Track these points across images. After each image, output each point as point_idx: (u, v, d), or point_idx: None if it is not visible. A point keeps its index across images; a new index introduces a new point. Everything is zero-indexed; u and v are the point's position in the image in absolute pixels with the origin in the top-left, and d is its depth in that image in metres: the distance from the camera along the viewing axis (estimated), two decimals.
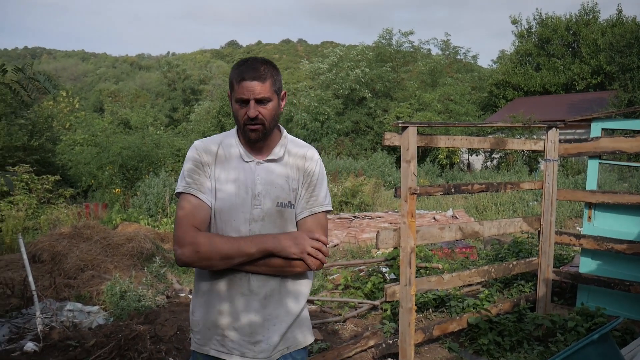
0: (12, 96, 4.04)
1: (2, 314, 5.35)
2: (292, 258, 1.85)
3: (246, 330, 1.91)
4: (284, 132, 2.06)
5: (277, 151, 1.98)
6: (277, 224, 1.93)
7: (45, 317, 5.11)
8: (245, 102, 1.87)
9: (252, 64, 1.88)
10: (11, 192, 11.39)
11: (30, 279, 5.30)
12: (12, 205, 11.19)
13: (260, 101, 1.87)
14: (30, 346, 4.43)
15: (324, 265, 1.95)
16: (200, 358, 1.99)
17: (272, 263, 1.86)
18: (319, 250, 1.86)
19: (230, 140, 1.99)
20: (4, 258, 7.72)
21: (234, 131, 2.02)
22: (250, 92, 1.85)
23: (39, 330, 4.73)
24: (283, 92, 1.99)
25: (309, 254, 1.85)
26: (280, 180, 1.95)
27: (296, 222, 1.99)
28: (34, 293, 5.19)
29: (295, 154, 2.02)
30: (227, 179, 1.92)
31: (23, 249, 5.55)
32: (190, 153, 1.95)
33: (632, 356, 3.27)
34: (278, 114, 1.95)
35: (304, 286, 2.00)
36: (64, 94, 25.99)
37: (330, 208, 2.05)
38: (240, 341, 1.92)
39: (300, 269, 1.89)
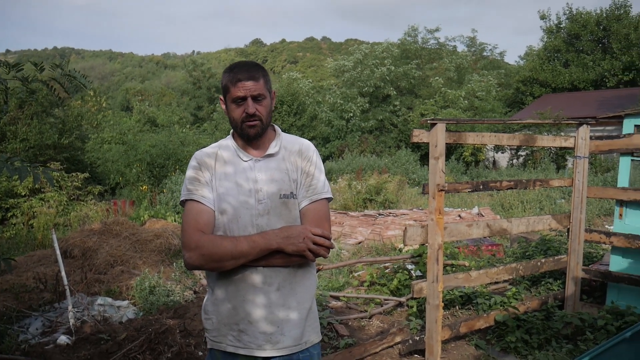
0: (47, 92, 4.12)
1: (36, 308, 5.49)
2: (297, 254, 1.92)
3: (262, 324, 1.95)
4: (278, 130, 2.15)
5: (273, 146, 2.07)
6: (283, 215, 2.00)
7: (77, 311, 5.23)
8: (242, 100, 1.97)
9: (244, 66, 2.00)
10: (42, 189, 11.66)
11: (63, 273, 5.44)
12: (43, 202, 11.47)
13: (256, 98, 1.97)
14: (63, 339, 4.54)
15: (329, 254, 2.02)
16: (219, 355, 2.03)
17: (278, 257, 1.92)
18: (322, 244, 1.92)
19: (227, 145, 2.08)
20: (36, 254, 7.92)
21: (229, 137, 2.12)
22: (247, 90, 1.95)
23: (71, 324, 4.85)
24: (273, 92, 2.10)
25: (310, 250, 1.90)
26: (279, 173, 2.03)
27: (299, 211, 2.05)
28: (67, 287, 5.32)
29: (292, 147, 2.10)
30: (228, 180, 2.00)
31: (56, 244, 5.69)
32: (191, 163, 2.06)
33: None
34: (271, 111, 2.06)
35: (312, 274, 2.07)
36: (92, 93, 26.47)
37: (330, 196, 2.09)
38: (257, 334, 1.95)
39: (307, 259, 1.95)
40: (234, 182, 1.99)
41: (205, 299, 2.08)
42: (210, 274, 2.02)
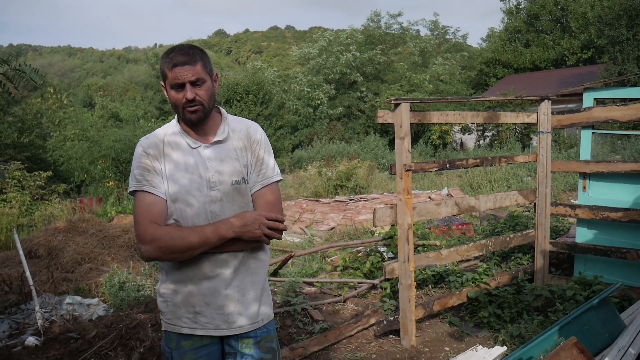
0: (2, 90, 3.94)
1: (1, 310, 5.33)
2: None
3: (218, 305, 1.96)
4: (224, 112, 2.10)
5: (222, 132, 2.03)
6: (236, 201, 1.99)
7: (44, 312, 5.09)
8: (181, 87, 1.91)
9: (180, 50, 1.93)
10: (3, 189, 11.32)
11: (28, 274, 5.27)
12: (5, 203, 11.13)
13: (194, 83, 1.91)
14: (31, 340, 4.41)
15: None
16: (173, 337, 2.02)
17: (236, 244, 1.94)
18: (276, 228, 1.96)
19: (174, 131, 2.02)
20: None
21: (174, 122, 2.05)
22: (184, 75, 1.89)
23: (39, 324, 4.71)
24: (215, 74, 2.04)
25: (265, 235, 1.94)
26: (230, 160, 2.01)
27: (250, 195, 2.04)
28: (32, 288, 5.16)
29: (240, 130, 2.07)
30: (178, 169, 1.95)
31: (19, 245, 5.52)
32: (138, 151, 1.99)
33: (630, 320, 3.29)
34: (214, 94, 2.00)
35: (265, 254, 2.10)
36: (52, 90, 25.75)
37: (280, 178, 2.11)
38: (214, 315, 1.97)
39: (260, 242, 2.00)
40: (185, 169, 1.95)
41: (159, 282, 2.06)
42: None
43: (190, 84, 1.90)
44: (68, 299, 5.55)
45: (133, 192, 1.96)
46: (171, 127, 2.04)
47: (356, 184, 13.45)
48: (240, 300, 1.99)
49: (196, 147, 1.98)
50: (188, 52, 1.92)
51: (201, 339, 2.00)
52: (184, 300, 1.97)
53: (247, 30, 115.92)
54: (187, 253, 1.87)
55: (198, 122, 1.96)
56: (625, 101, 4.86)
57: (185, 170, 1.95)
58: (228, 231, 1.88)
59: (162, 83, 1.98)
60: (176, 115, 2.04)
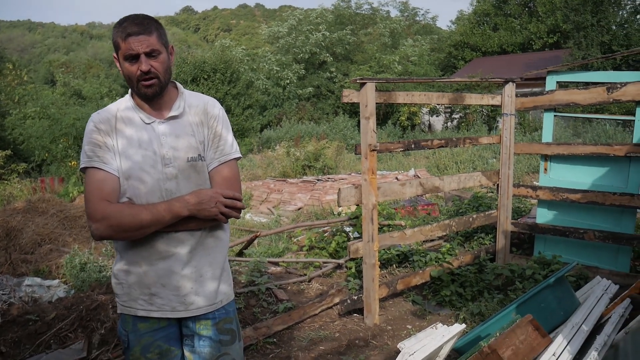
0: None
1: None
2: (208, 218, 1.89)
3: (175, 286, 1.91)
4: (181, 87, 2.03)
5: (177, 107, 1.95)
6: (192, 178, 1.93)
7: (2, 294, 4.96)
8: (135, 58, 1.82)
9: (135, 19, 1.83)
10: None
11: None
12: None
13: (149, 54, 1.82)
14: None
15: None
16: (129, 320, 1.96)
17: (191, 222, 1.88)
18: (233, 207, 1.89)
19: (127, 106, 1.93)
20: None
21: (127, 97, 1.96)
22: (138, 46, 1.80)
23: None
24: (170, 46, 1.95)
25: (222, 213, 1.87)
26: (185, 136, 1.93)
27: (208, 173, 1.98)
28: None
29: (197, 106, 1.99)
30: (131, 145, 1.87)
31: None
32: (89, 127, 1.90)
33: (585, 298, 3.39)
34: (170, 67, 1.92)
35: (225, 234, 2.04)
36: (11, 67, 24.84)
37: (239, 155, 2.04)
38: (170, 297, 1.92)
39: (218, 221, 1.93)
40: (138, 145, 1.87)
41: (115, 263, 1.99)
42: None
43: (145, 55, 1.81)
44: (27, 281, 5.42)
45: (84, 169, 1.87)
46: (124, 102, 1.94)
47: (324, 165, 13.46)
48: (198, 280, 1.93)
49: (150, 123, 1.90)
50: (142, 22, 1.82)
51: (158, 321, 1.94)
52: (138, 282, 1.90)
53: (215, 8, 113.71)
54: (139, 231, 1.80)
55: (154, 96, 1.88)
56: (587, 85, 4.94)
57: (139, 146, 1.87)
58: (182, 209, 1.82)
59: (115, 54, 1.88)
60: (130, 90, 1.95)
